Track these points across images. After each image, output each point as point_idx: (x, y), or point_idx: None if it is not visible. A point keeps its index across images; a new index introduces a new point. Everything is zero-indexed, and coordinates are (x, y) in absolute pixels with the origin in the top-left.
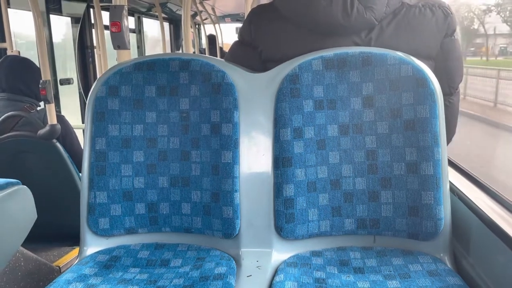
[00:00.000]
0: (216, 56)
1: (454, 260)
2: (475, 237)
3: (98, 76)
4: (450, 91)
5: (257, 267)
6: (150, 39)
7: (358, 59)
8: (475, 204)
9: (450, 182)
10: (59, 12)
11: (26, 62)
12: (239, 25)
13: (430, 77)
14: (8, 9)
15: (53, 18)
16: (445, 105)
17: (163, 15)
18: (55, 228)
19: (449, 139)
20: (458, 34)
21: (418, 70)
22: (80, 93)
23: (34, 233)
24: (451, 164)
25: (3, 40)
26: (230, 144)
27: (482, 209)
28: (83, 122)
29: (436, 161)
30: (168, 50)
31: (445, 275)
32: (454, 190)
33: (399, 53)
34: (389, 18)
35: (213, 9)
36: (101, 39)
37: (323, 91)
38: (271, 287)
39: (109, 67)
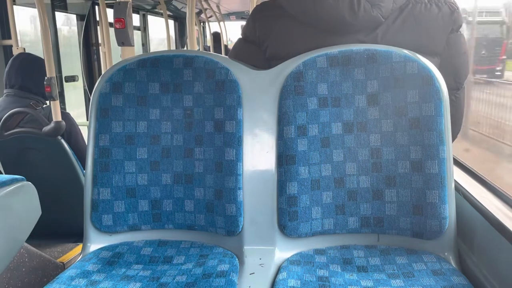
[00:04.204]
0: (221, 54)
1: (459, 259)
2: (480, 236)
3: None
4: (456, 86)
5: (260, 264)
6: (155, 37)
7: (363, 56)
8: (480, 203)
9: (455, 180)
10: (64, 9)
11: (38, 61)
12: (244, 23)
13: (436, 74)
14: (14, 6)
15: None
16: (451, 100)
17: (168, 12)
18: (59, 225)
19: (454, 135)
20: (463, 29)
21: (423, 68)
22: (85, 89)
23: (38, 229)
24: (456, 162)
25: (9, 37)
26: (234, 141)
27: (487, 207)
28: (87, 119)
29: (441, 159)
30: (173, 48)
31: (450, 274)
32: (459, 188)
33: (405, 51)
34: (395, 15)
35: (218, 6)
36: (106, 36)
37: (327, 88)
38: (274, 285)
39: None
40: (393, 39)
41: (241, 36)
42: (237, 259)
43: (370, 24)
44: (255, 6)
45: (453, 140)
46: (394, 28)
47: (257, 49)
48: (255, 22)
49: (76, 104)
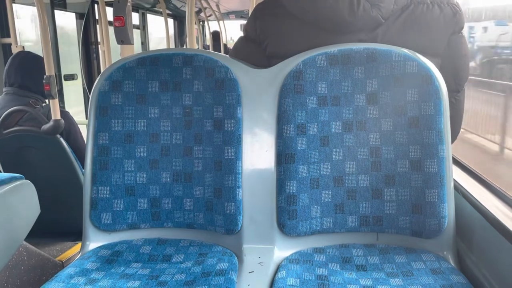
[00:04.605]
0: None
1: (458, 259)
2: (479, 236)
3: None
4: (456, 88)
5: (259, 263)
6: (154, 36)
7: (362, 55)
8: (479, 202)
9: (454, 180)
10: (63, 7)
11: (37, 59)
12: (243, 22)
13: (435, 74)
14: (13, 5)
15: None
16: (451, 102)
17: (168, 11)
18: (58, 223)
19: (454, 137)
20: (465, 31)
21: (423, 67)
22: (84, 88)
23: (37, 227)
24: (456, 161)
25: (8, 36)
26: (233, 140)
27: (486, 207)
28: (87, 118)
29: (441, 158)
30: (172, 47)
31: (448, 273)
32: (458, 188)
33: (404, 50)
34: (396, 15)
35: (217, 5)
36: (105, 34)
37: (327, 87)
38: (273, 284)
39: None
40: (393, 39)
41: (242, 35)
42: (236, 258)
43: (370, 24)
44: (256, 4)
45: (452, 142)
46: (395, 29)
47: (258, 47)
48: (256, 20)
49: (75, 102)
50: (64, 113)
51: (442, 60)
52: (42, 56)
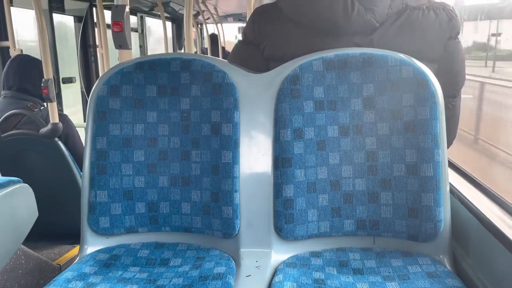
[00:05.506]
0: (218, 55)
1: (454, 262)
2: (474, 239)
3: (100, 76)
4: (453, 94)
5: (257, 267)
6: (153, 39)
7: (358, 60)
8: (475, 206)
9: (450, 184)
10: (61, 10)
11: (36, 62)
12: (241, 24)
13: (431, 78)
14: (11, 8)
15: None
16: (448, 108)
17: (166, 14)
18: (56, 227)
19: (450, 142)
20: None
21: (419, 72)
22: (82, 92)
23: (35, 231)
24: (451, 165)
25: (6, 39)
26: (230, 144)
27: (482, 211)
28: (85, 121)
29: (436, 162)
30: (170, 50)
31: (444, 277)
32: (454, 192)
33: (400, 54)
34: (391, 20)
35: (215, 8)
36: (104, 38)
37: (323, 92)
38: (270, 287)
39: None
40: (389, 44)
41: (241, 38)
42: (233, 262)
43: (364, 27)
44: (254, 8)
45: (448, 146)
46: (391, 33)
47: (256, 50)
48: (254, 23)
49: (73, 102)
50: (63, 117)
51: (439, 65)
52: (40, 59)
